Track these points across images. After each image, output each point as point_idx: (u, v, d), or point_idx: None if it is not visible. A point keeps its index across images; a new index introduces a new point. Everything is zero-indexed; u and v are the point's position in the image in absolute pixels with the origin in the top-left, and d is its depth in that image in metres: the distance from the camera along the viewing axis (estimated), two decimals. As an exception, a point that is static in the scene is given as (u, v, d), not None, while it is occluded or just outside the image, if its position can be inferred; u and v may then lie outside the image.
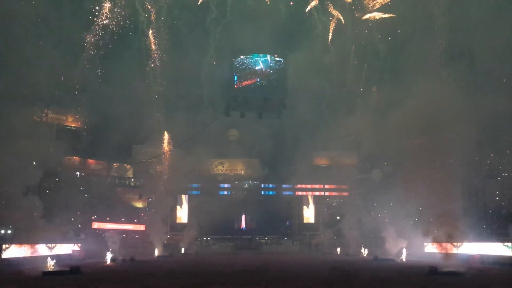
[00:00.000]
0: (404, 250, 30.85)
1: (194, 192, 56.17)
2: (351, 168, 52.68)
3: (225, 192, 57.25)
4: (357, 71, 50.29)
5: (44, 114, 47.43)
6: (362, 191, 44.36)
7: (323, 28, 48.96)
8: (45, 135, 37.66)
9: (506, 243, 25.87)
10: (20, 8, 31.65)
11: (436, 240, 24.48)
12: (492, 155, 37.30)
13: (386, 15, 45.05)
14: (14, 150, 24.60)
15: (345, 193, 53.04)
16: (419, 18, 40.65)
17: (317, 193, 56.12)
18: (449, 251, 22.45)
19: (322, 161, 57.53)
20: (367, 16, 46.07)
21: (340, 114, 49.24)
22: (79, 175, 51.30)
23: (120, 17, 44.02)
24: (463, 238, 22.77)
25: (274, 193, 57.51)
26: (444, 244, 23.14)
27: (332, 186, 55.26)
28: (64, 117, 51.44)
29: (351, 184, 49.84)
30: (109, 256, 30.74)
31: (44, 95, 37.01)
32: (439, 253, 23.30)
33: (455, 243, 22.70)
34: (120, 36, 45.92)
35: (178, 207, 54.10)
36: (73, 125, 51.84)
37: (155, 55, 47.70)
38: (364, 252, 37.69)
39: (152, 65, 47.87)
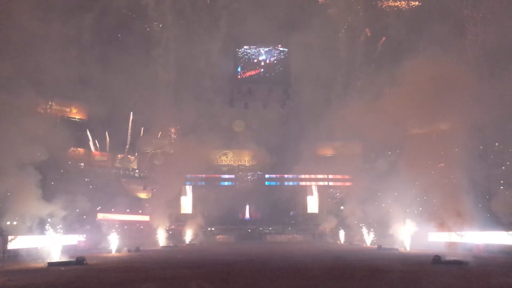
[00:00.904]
0: (408, 240, 30.88)
1: (199, 183, 56.27)
2: (356, 158, 52.45)
3: (229, 183, 57.29)
4: (366, 57, 49.85)
5: (48, 106, 47.71)
6: (366, 180, 44.18)
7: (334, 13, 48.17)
8: (49, 126, 37.85)
9: (510, 232, 25.82)
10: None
11: (440, 229, 24.42)
12: (497, 144, 37.17)
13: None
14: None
15: (349, 183, 52.93)
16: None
17: (321, 183, 56.03)
18: (453, 241, 22.40)
19: (326, 151, 57.40)
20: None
21: (344, 104, 49.03)
22: (84, 166, 51.60)
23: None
24: (467, 226, 22.70)
25: (278, 183, 57.45)
26: (448, 233, 23.09)
27: (336, 176, 55.03)
28: (68, 109, 51.65)
29: (355, 174, 49.68)
30: (114, 246, 30.96)
31: (47, 85, 37.17)
32: (443, 242, 23.26)
33: (459, 232, 22.64)
34: (125, 23, 45.77)
35: (182, 197, 54.31)
36: (77, 117, 52.04)
37: (159, 43, 47.52)
38: (368, 241, 37.80)
39: (156, 54, 47.79)
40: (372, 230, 38.49)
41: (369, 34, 49.21)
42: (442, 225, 23.23)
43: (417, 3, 48.33)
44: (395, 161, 46.03)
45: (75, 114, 51.95)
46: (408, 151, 33.49)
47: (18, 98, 26.73)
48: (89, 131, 51.93)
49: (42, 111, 43.93)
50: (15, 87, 27.83)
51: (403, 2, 47.38)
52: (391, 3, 47.34)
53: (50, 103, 47.74)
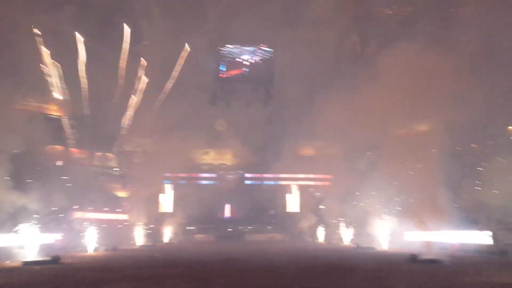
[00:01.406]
0: (385, 238, 31.22)
1: (179, 182, 55.88)
2: (335, 158, 52.66)
3: (210, 182, 57.08)
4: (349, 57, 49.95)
5: (26, 102, 46.69)
6: (345, 180, 44.48)
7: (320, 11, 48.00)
8: (26, 121, 37.20)
9: (485, 232, 26.33)
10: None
11: (416, 228, 24.76)
12: (472, 145, 37.82)
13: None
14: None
15: (328, 183, 53.27)
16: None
17: (301, 182, 56.30)
18: (429, 240, 22.73)
19: (307, 151, 57.60)
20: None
21: (325, 103, 49.24)
22: (62, 164, 50.62)
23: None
24: (443, 226, 23.08)
25: (258, 182, 57.51)
26: (424, 232, 23.42)
27: (317, 176, 55.31)
28: (47, 105, 50.62)
29: (335, 173, 49.97)
30: (91, 245, 30.53)
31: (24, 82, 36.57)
32: (420, 241, 23.60)
33: (435, 232, 23.00)
34: (104, 19, 45.06)
35: (161, 196, 53.87)
36: (55, 114, 51.04)
37: (140, 39, 46.94)
38: (346, 240, 38.12)
39: (137, 51, 47.21)
40: (350, 228, 38.83)
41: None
42: (419, 224, 23.57)
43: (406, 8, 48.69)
44: (375, 161, 46.46)
45: (54, 111, 50.98)
46: (387, 151, 33.80)
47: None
48: (68, 129, 51.03)
49: (19, 106, 43.09)
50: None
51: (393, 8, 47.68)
52: (379, 8, 47.59)
53: (28, 99, 46.77)
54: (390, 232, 31.60)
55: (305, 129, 51.70)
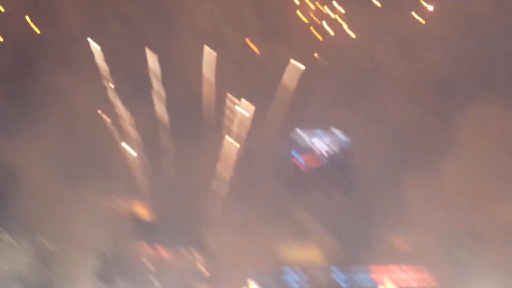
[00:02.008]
0: None
1: (263, 278, 53.72)
2: (430, 247, 48.61)
3: (295, 278, 54.35)
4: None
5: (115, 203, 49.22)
6: (443, 272, 40.22)
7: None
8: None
9: None
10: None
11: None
12: None
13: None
14: None
15: (424, 274, 48.42)
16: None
17: (394, 275, 51.83)
18: None
19: (398, 241, 53.30)
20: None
21: (413, 188, 46.47)
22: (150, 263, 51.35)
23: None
24: None
25: (348, 276, 53.86)
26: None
27: (410, 267, 50.71)
28: (134, 206, 52.85)
29: (430, 265, 45.62)
30: None
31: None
32: None
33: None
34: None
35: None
36: (141, 214, 52.89)
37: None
38: None
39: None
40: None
41: None
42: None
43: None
44: (475, 249, 42.27)
45: (140, 211, 52.82)
46: (488, 238, 30.34)
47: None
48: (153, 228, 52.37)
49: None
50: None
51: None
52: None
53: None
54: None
55: (394, 216, 48.79)
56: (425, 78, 43.28)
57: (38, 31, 39.70)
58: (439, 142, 45.51)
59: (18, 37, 39.87)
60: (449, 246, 48.76)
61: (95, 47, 40.52)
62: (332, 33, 43.62)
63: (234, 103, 46.16)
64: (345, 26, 42.64)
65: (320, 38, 44.05)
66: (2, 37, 39.24)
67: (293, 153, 46.23)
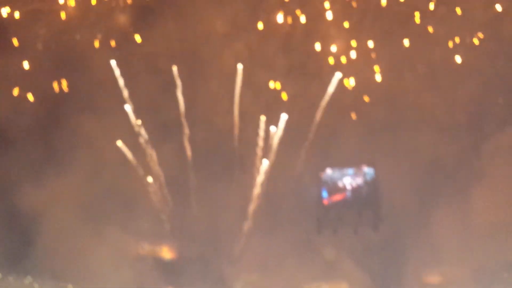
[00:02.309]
0: None
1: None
2: (466, 283, 47.13)
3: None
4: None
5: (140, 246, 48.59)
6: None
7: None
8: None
9: None
10: None
11: None
12: None
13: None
14: None
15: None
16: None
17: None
18: None
19: (432, 278, 51.67)
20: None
21: (445, 221, 45.48)
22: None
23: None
24: None
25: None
26: None
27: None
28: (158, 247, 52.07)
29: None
30: None
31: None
32: None
33: None
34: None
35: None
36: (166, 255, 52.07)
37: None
38: None
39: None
40: None
41: None
42: None
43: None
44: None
45: (165, 252, 52.06)
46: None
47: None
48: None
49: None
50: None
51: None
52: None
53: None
54: None
55: (426, 251, 47.19)
56: (456, 109, 43.00)
57: (66, 89, 40.24)
58: (470, 172, 44.85)
59: (47, 95, 40.40)
60: (485, 280, 47.34)
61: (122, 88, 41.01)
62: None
63: (262, 142, 46.34)
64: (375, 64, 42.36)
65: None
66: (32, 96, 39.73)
67: (322, 190, 45.76)
